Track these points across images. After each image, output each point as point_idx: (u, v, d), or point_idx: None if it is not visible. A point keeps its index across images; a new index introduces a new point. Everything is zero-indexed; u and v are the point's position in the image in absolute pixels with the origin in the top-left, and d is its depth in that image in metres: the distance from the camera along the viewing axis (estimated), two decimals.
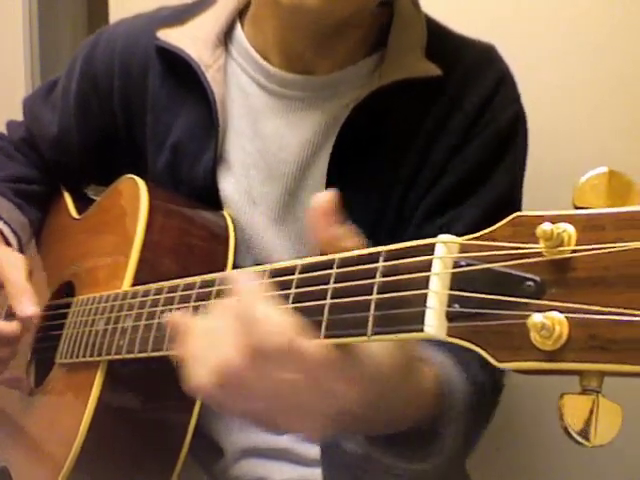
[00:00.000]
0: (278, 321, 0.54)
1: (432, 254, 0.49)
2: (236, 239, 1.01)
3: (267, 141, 1.02)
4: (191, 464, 0.98)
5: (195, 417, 0.94)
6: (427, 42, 1.00)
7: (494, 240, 0.46)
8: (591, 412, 0.41)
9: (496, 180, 0.96)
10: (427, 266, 0.49)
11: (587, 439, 0.41)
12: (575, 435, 0.41)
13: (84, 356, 0.91)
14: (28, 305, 0.97)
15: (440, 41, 1.01)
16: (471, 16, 1.33)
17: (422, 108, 0.97)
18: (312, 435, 0.56)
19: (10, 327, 0.98)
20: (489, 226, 0.90)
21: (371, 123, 0.97)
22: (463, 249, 0.48)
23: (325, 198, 0.58)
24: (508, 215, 0.94)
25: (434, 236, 0.55)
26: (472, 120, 0.96)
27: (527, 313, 0.42)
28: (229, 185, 1.03)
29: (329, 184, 0.98)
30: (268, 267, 0.63)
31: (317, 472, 1.01)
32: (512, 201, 0.99)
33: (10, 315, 1.08)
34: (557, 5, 1.28)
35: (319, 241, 0.59)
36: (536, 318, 0.41)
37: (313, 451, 1.03)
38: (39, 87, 1.29)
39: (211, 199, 1.03)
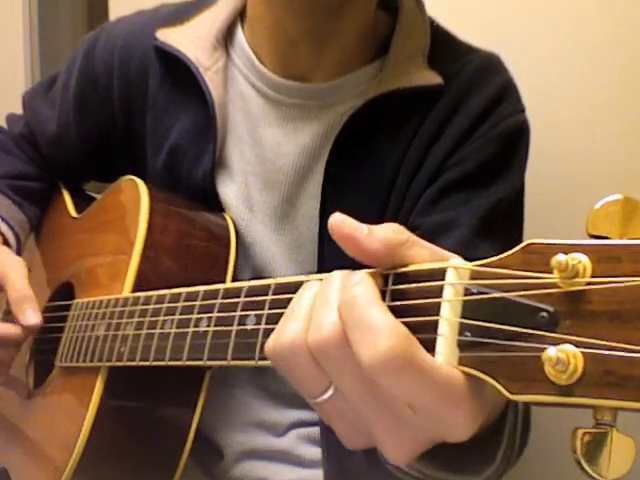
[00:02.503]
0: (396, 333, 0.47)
1: (443, 279, 0.48)
2: (236, 243, 1.00)
3: (265, 148, 1.02)
4: (191, 466, 0.98)
5: (196, 421, 0.94)
6: (430, 49, 0.99)
7: (505, 267, 0.45)
8: (605, 446, 0.41)
9: (496, 185, 0.95)
10: (438, 292, 0.48)
11: (601, 474, 0.41)
12: (588, 469, 0.41)
13: (84, 361, 0.91)
14: (31, 313, 0.97)
15: (443, 48, 1.00)
16: (471, 17, 1.33)
17: (421, 116, 0.96)
18: (400, 459, 0.51)
19: (13, 330, 0.98)
20: (487, 232, 0.91)
21: (368, 131, 0.97)
22: (474, 275, 0.47)
23: (338, 222, 0.54)
24: (509, 222, 0.95)
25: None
26: (472, 124, 0.95)
27: (541, 346, 0.42)
28: (230, 191, 1.03)
29: (325, 193, 0.98)
30: (273, 281, 0.62)
31: (317, 474, 1.02)
32: (513, 209, 0.98)
33: (8, 316, 1.08)
34: (557, 6, 1.27)
35: (371, 262, 0.53)
36: (551, 352, 0.40)
37: (313, 453, 1.04)
38: (39, 82, 1.28)
39: (210, 203, 1.03)
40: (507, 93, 0.99)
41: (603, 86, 1.24)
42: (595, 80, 1.24)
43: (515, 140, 0.98)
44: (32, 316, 0.97)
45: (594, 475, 0.41)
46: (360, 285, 0.50)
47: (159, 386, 0.92)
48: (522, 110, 1.00)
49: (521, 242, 0.96)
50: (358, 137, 0.96)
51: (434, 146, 0.95)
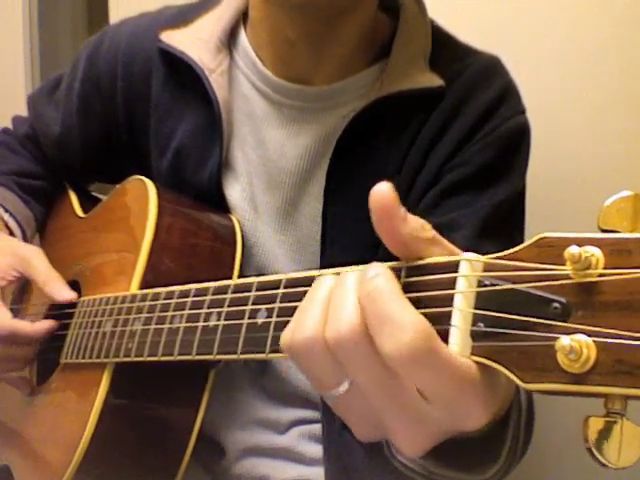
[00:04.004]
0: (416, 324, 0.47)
1: (456, 271, 0.49)
2: (242, 244, 1.01)
3: (268, 149, 1.02)
4: (192, 464, 0.98)
5: (200, 421, 0.95)
6: (431, 51, 0.99)
7: (519, 260, 0.46)
8: (615, 434, 0.42)
9: (497, 187, 0.95)
10: (451, 283, 0.49)
11: (611, 461, 0.42)
12: (600, 457, 0.42)
13: (90, 357, 0.91)
14: (64, 290, 1.01)
15: (444, 51, 1.01)
16: (471, 18, 1.34)
17: (422, 118, 0.96)
18: (413, 451, 0.52)
19: (29, 327, 0.99)
20: (489, 234, 0.92)
21: (370, 133, 0.97)
22: (487, 268, 0.48)
23: (383, 192, 0.51)
24: (511, 223, 0.96)
25: None
26: (473, 126, 0.95)
27: (554, 335, 0.43)
28: (235, 192, 1.04)
29: (327, 194, 0.98)
30: (284, 276, 0.63)
31: (318, 471, 1.03)
32: (514, 210, 0.99)
33: (18, 312, 1.09)
34: (557, 6, 1.28)
35: (391, 245, 0.53)
36: (564, 341, 0.41)
37: (314, 450, 1.05)
38: (44, 83, 1.29)
39: (216, 204, 1.03)
40: (508, 95, 0.99)
41: (603, 86, 1.24)
42: (595, 80, 1.25)
43: (516, 142, 0.98)
44: (66, 292, 1.00)
45: (605, 463, 0.42)
46: (380, 277, 0.50)
47: (164, 385, 0.93)
48: (523, 112, 1.00)
49: (523, 241, 0.97)
50: (360, 139, 0.97)
51: (435, 148, 0.96)
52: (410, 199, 0.96)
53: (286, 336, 0.55)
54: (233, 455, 1.05)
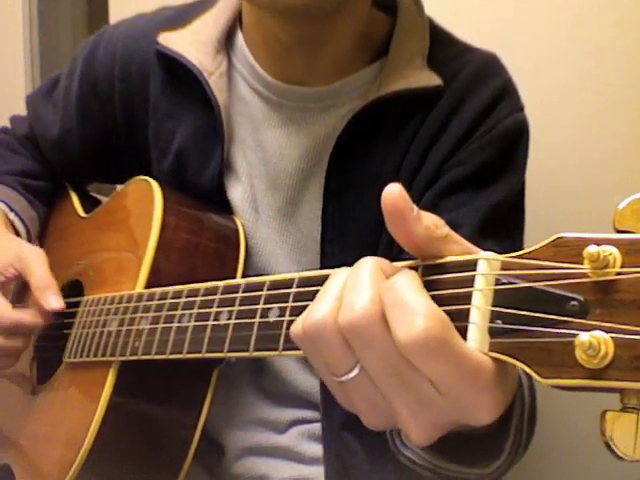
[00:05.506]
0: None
1: (474, 270, 0.50)
2: (246, 245, 1.02)
3: (268, 151, 1.03)
4: (192, 463, 0.99)
5: (203, 419, 0.95)
6: (429, 50, 1.00)
7: (536, 259, 0.47)
8: (632, 428, 0.43)
9: (496, 185, 0.95)
10: (469, 282, 0.50)
11: (627, 454, 0.43)
12: (616, 450, 0.43)
13: (96, 355, 0.91)
14: (54, 299, 0.99)
15: (442, 49, 1.01)
16: (470, 17, 1.35)
17: (421, 116, 0.97)
18: (421, 440, 0.52)
19: (28, 317, 0.99)
20: (489, 232, 0.92)
21: (369, 132, 0.97)
22: (505, 266, 0.49)
23: (394, 193, 0.52)
24: (510, 222, 0.97)
25: None
26: (472, 125, 0.95)
27: (572, 332, 0.44)
28: (237, 194, 1.04)
29: (327, 194, 0.99)
30: (297, 275, 0.64)
31: (317, 470, 1.03)
32: (514, 209, 0.99)
33: (19, 303, 1.08)
34: (557, 6, 1.29)
35: (406, 245, 0.53)
36: (583, 337, 0.42)
37: (314, 450, 1.05)
38: (42, 84, 1.29)
39: (218, 205, 1.04)
40: (506, 93, 0.99)
41: (603, 86, 1.25)
42: (595, 80, 1.26)
43: (515, 140, 0.99)
44: (55, 301, 0.99)
45: (621, 456, 0.43)
46: (403, 272, 0.51)
47: (168, 384, 0.94)
48: (521, 109, 1.01)
49: (523, 240, 0.97)
50: (359, 139, 0.97)
51: (434, 147, 0.96)
52: (410, 197, 0.96)
53: (297, 323, 0.55)
54: (233, 454, 1.06)
